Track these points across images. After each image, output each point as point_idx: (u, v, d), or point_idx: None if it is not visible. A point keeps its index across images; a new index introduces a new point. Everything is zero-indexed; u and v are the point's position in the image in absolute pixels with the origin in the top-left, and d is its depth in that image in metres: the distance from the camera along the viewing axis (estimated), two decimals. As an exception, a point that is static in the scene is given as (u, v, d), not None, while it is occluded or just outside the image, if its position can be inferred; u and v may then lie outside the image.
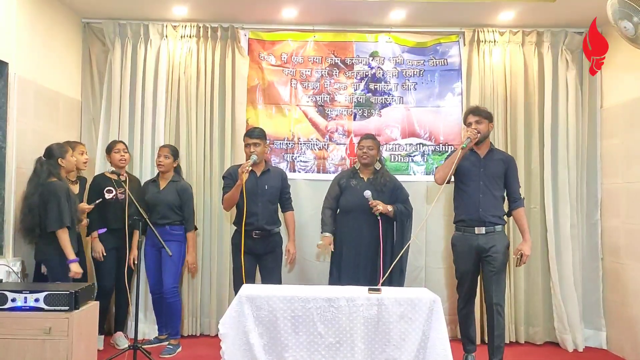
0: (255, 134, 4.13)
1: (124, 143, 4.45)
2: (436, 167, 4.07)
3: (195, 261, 4.44)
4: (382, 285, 3.50)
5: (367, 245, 4.05)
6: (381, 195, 4.11)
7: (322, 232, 4.19)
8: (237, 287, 4.03)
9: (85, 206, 4.08)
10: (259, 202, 4.11)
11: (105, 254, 4.23)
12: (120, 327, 4.51)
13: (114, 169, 4.26)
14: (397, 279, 4.04)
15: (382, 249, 3.98)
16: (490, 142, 3.98)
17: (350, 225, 4.12)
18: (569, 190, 4.74)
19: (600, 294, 4.74)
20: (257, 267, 4.23)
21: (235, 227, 4.22)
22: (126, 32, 4.84)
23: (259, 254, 4.15)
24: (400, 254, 3.84)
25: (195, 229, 4.48)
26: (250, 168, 3.96)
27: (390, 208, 4.05)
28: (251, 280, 4.09)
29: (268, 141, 4.80)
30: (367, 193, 4.02)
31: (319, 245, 4.18)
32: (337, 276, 4.11)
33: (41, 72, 4.20)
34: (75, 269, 3.69)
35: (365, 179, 4.17)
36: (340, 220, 4.22)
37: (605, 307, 4.73)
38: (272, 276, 4.15)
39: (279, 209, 4.34)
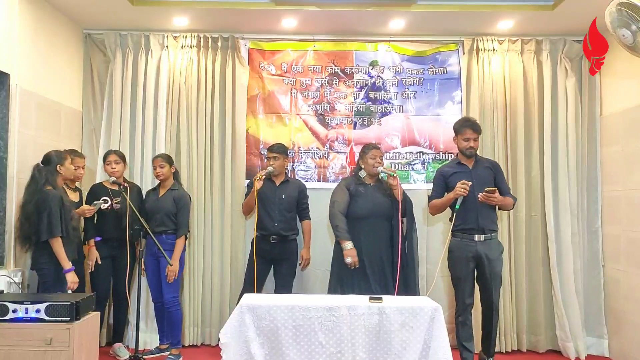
0: (274, 149, 4.44)
1: (117, 154, 4.41)
2: (429, 196, 4.12)
3: (176, 270, 4.27)
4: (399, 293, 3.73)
5: (385, 250, 4.10)
6: (388, 199, 4.15)
7: (341, 238, 4.09)
8: (248, 288, 4.30)
9: (86, 207, 4.07)
10: (276, 210, 4.37)
11: (100, 263, 4.22)
12: (119, 338, 4.50)
13: (114, 178, 4.27)
14: (413, 287, 4.11)
15: (399, 247, 4.04)
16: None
17: (365, 232, 4.13)
18: (570, 198, 4.74)
19: (602, 301, 4.73)
20: (271, 272, 4.47)
21: (256, 233, 4.43)
22: (127, 43, 4.87)
23: (275, 259, 4.38)
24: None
25: (186, 237, 4.41)
26: (264, 177, 4.31)
27: (401, 190, 4.12)
28: (262, 282, 4.35)
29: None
30: (380, 168, 4.17)
31: (347, 255, 4.05)
32: (352, 283, 4.07)
33: (42, 83, 4.22)
34: (71, 279, 3.68)
35: (372, 185, 4.23)
36: (352, 226, 4.18)
37: (607, 314, 4.71)
38: (285, 283, 4.38)
39: (297, 219, 4.57)
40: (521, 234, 4.76)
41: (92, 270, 4.22)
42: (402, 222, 4.10)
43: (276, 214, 4.37)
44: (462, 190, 3.81)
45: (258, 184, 4.25)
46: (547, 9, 4.38)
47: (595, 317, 4.75)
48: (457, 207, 3.86)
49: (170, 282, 4.26)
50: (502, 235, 4.57)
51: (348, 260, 4.03)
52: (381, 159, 4.27)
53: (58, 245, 3.63)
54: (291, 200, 4.45)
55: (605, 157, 4.77)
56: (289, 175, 4.74)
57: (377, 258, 4.10)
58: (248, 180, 4.63)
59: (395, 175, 4.12)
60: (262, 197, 4.32)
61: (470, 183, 3.83)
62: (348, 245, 4.06)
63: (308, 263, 4.54)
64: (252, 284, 4.24)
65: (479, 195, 3.83)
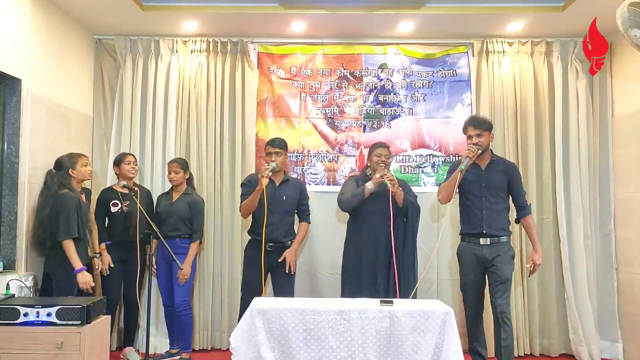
0: (276, 143, 4.15)
1: (133, 156, 4.47)
2: (439, 185, 4.05)
3: (189, 272, 4.26)
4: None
5: (383, 250, 3.99)
6: (392, 201, 4.02)
7: (363, 190, 3.98)
8: (246, 301, 3.94)
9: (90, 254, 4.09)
10: (276, 213, 4.08)
11: (112, 266, 4.24)
12: (130, 342, 4.51)
13: (124, 182, 4.28)
14: (404, 294, 3.92)
15: (394, 249, 3.92)
16: (491, 151, 3.94)
17: (365, 231, 4.05)
18: (582, 200, 4.70)
19: (616, 305, 4.68)
20: (266, 280, 4.20)
21: (249, 237, 4.23)
22: (137, 48, 4.90)
23: (271, 267, 4.10)
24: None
25: (200, 242, 4.44)
26: (270, 173, 3.93)
27: (401, 195, 3.99)
28: (258, 293, 3.98)
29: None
30: (379, 177, 3.97)
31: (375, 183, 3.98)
32: (354, 281, 4.03)
33: (54, 88, 4.25)
34: (82, 278, 3.69)
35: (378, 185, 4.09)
36: (354, 225, 4.16)
37: (620, 318, 4.66)
38: (285, 290, 4.11)
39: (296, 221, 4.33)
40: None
41: (107, 273, 4.23)
42: (395, 225, 3.96)
43: (276, 218, 4.05)
44: (468, 151, 3.72)
45: (265, 182, 3.86)
46: (557, 10, 4.35)
47: (608, 320, 4.70)
48: (462, 167, 3.69)
49: (181, 286, 4.26)
50: (514, 238, 4.51)
51: (377, 176, 3.97)
52: (388, 157, 4.13)
53: (70, 246, 3.66)
54: (292, 202, 4.17)
55: (618, 159, 4.73)
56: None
57: (373, 260, 3.99)
58: (245, 179, 4.27)
59: (393, 182, 3.94)
60: (261, 198, 3.95)
61: (479, 149, 3.73)
62: (369, 184, 3.97)
63: (294, 266, 4.12)
64: (249, 294, 3.85)
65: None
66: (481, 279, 3.84)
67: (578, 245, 4.66)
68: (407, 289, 3.92)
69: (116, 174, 4.43)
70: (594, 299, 4.67)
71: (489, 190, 3.80)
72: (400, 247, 4.04)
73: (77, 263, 3.68)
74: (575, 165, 4.73)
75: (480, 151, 3.77)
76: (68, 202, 3.68)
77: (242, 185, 4.26)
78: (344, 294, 4.09)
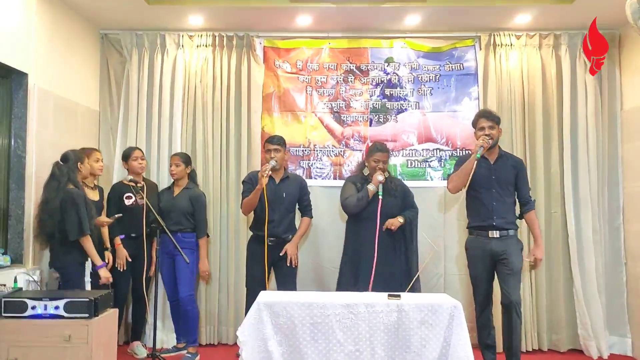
0: (275, 140, 4.17)
1: (140, 150, 4.47)
2: (449, 175, 4.02)
3: (208, 269, 4.42)
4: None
5: (382, 251, 3.97)
6: (395, 200, 4.11)
7: (367, 192, 4.02)
8: (252, 296, 3.93)
9: (104, 219, 4.04)
10: (277, 210, 4.12)
11: (130, 260, 4.24)
12: (137, 336, 4.51)
13: (131, 177, 4.27)
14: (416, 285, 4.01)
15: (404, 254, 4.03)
16: (499, 147, 3.96)
17: (363, 233, 4.04)
18: (590, 194, 4.66)
19: (625, 299, 4.65)
20: (269, 275, 4.23)
21: (251, 233, 4.27)
22: (143, 43, 4.89)
23: (273, 261, 4.15)
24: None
25: (207, 236, 4.47)
26: (270, 172, 3.96)
27: (401, 220, 4.05)
28: (263, 288, 3.96)
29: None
30: (372, 187, 4.01)
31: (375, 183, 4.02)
32: (352, 282, 4.04)
33: (60, 82, 4.25)
34: (104, 274, 3.83)
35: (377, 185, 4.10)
36: (352, 227, 4.18)
37: (630, 313, 4.62)
38: (287, 282, 4.13)
39: (297, 217, 4.34)
40: (541, 231, 4.67)
41: (125, 268, 4.23)
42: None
43: (277, 215, 4.10)
44: (482, 141, 3.74)
45: (265, 181, 3.91)
46: (566, 2, 4.31)
47: (617, 315, 4.66)
48: (477, 155, 3.72)
49: (185, 281, 4.27)
50: (522, 233, 4.46)
51: (379, 178, 4.00)
52: (385, 163, 4.14)
53: (89, 243, 3.68)
54: (292, 199, 4.21)
55: (627, 152, 4.68)
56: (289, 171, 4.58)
57: (378, 258, 3.94)
58: (246, 177, 4.31)
59: (394, 225, 4.00)
60: (261, 196, 4.01)
61: (492, 139, 3.77)
62: (371, 187, 4.01)
63: (296, 259, 4.15)
64: (254, 289, 3.90)
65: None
66: (490, 272, 3.84)
67: (587, 239, 4.63)
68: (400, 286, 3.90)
69: (126, 168, 4.43)
70: (602, 293, 4.64)
71: (500, 183, 3.82)
72: (402, 249, 4.10)
73: (97, 259, 3.75)
74: (584, 159, 4.69)
75: (492, 141, 3.79)
76: (77, 199, 3.64)
77: (243, 182, 4.28)
78: (339, 287, 4.12)
